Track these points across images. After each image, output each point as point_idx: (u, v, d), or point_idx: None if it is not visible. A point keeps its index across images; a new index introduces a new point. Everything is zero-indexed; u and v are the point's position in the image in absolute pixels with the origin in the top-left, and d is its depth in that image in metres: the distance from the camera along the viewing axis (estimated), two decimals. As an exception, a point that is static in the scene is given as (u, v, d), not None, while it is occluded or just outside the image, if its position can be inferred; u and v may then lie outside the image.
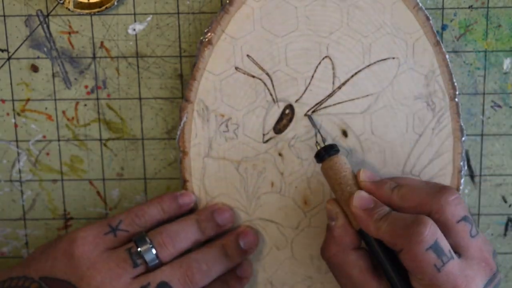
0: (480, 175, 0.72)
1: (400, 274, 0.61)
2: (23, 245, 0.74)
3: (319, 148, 0.66)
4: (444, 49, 0.67)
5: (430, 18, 0.66)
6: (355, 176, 0.64)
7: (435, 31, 0.67)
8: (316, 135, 0.69)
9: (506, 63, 0.69)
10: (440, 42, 0.67)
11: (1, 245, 0.74)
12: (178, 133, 0.69)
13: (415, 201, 0.62)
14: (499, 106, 0.70)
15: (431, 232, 0.59)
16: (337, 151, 0.65)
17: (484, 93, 0.70)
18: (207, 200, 0.71)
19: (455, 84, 0.68)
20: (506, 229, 0.73)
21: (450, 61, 0.69)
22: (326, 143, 0.67)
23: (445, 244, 0.59)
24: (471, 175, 0.72)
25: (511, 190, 0.72)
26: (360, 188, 0.64)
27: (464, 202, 0.63)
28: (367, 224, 0.62)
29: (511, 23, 0.68)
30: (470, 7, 0.68)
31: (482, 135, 0.71)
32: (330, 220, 0.64)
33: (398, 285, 0.61)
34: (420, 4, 0.66)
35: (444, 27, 0.68)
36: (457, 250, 0.61)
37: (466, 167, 0.71)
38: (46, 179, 0.73)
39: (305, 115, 0.69)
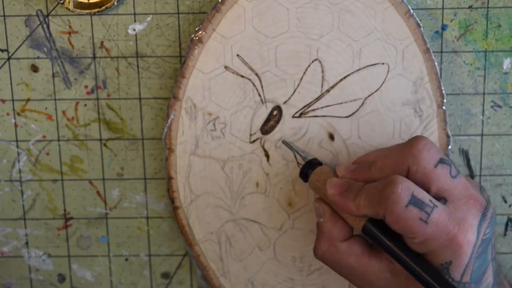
0: (480, 175, 0.72)
1: (416, 256, 0.59)
2: (23, 245, 0.75)
3: (300, 167, 0.66)
4: (433, 57, 0.67)
5: (421, 25, 0.66)
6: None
7: (425, 39, 0.67)
8: (295, 156, 0.68)
9: (506, 63, 0.69)
10: (430, 49, 0.67)
11: (1, 245, 0.75)
12: (165, 130, 0.69)
13: (392, 166, 0.61)
14: (499, 106, 0.70)
15: (404, 188, 0.58)
16: (319, 163, 0.65)
17: (484, 93, 0.70)
18: (191, 198, 0.71)
19: (443, 91, 0.68)
20: (506, 229, 0.73)
21: (450, 61, 0.69)
22: (306, 161, 0.66)
23: (424, 196, 0.58)
24: (471, 175, 0.72)
25: (511, 190, 0.72)
26: None
27: (436, 146, 0.61)
28: (346, 205, 0.61)
29: (511, 23, 0.68)
30: (470, 7, 0.68)
31: (482, 135, 0.71)
32: (318, 217, 0.63)
33: (415, 269, 0.59)
34: (412, 11, 0.66)
35: (444, 27, 0.68)
36: (442, 195, 0.60)
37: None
38: (46, 179, 0.73)
39: (282, 141, 0.69)
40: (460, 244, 0.58)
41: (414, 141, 0.61)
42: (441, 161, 0.60)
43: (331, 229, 0.62)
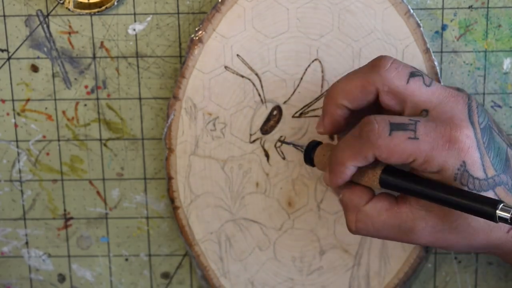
0: (480, 175, 0.72)
1: (437, 183, 0.58)
2: (23, 244, 0.75)
3: (302, 150, 0.66)
4: (433, 57, 0.67)
5: (421, 25, 0.66)
6: None
7: (425, 39, 0.67)
8: (296, 148, 0.69)
9: (506, 63, 0.69)
10: (430, 49, 0.67)
11: (1, 244, 0.75)
12: (165, 130, 0.69)
13: (355, 88, 0.60)
14: (499, 106, 0.70)
15: (379, 120, 0.58)
16: (318, 143, 0.65)
17: (484, 93, 0.70)
18: (191, 198, 0.71)
19: None
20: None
21: (450, 61, 0.69)
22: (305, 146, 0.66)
23: (401, 119, 0.58)
24: (471, 175, 0.72)
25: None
26: None
27: (402, 62, 0.60)
28: (338, 171, 0.60)
29: (511, 23, 0.68)
30: (470, 7, 0.68)
31: (482, 135, 0.71)
32: (338, 196, 0.63)
33: (441, 195, 0.57)
34: (411, 11, 0.66)
35: (444, 27, 0.68)
36: (422, 107, 0.59)
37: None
38: (46, 179, 0.73)
39: (278, 141, 0.69)
40: (459, 140, 0.57)
41: (379, 62, 0.60)
42: (411, 74, 0.60)
43: (351, 197, 0.62)
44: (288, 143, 0.69)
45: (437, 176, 0.58)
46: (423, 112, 0.59)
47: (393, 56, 0.62)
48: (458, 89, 0.62)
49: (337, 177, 0.61)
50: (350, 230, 0.63)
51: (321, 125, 0.64)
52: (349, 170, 0.60)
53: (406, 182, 0.59)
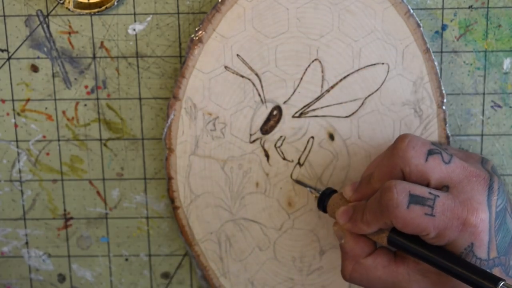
0: (480, 175, 0.72)
1: (440, 251, 0.59)
2: (23, 244, 0.75)
3: (316, 196, 0.67)
4: (433, 57, 0.67)
5: (421, 25, 0.66)
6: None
7: (425, 39, 0.67)
8: (311, 192, 0.69)
9: (506, 63, 0.69)
10: (430, 49, 0.67)
11: (1, 244, 0.75)
12: (165, 130, 0.69)
13: (386, 173, 0.61)
14: (499, 106, 0.70)
15: (399, 190, 0.58)
16: (333, 191, 0.66)
17: (484, 93, 0.70)
18: (191, 198, 0.71)
19: (443, 91, 0.68)
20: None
21: (450, 61, 0.69)
22: (320, 192, 0.67)
23: (422, 191, 0.58)
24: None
25: (511, 190, 0.72)
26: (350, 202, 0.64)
27: (420, 138, 0.61)
28: (358, 228, 0.61)
29: (511, 23, 0.68)
30: (470, 7, 0.68)
31: (482, 135, 0.71)
32: (340, 240, 0.64)
33: (445, 264, 0.58)
34: (412, 11, 0.66)
35: (444, 27, 0.68)
36: (443, 184, 0.59)
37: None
38: (46, 179, 0.73)
39: (295, 180, 0.69)
40: (473, 224, 0.58)
41: (397, 143, 0.61)
42: (429, 152, 0.60)
43: (353, 247, 0.62)
44: (304, 185, 0.69)
45: (439, 245, 0.59)
46: (444, 188, 0.59)
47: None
48: (483, 160, 0.62)
49: (355, 230, 0.62)
50: (343, 277, 0.64)
51: (349, 193, 0.65)
52: (371, 230, 0.61)
53: (414, 245, 0.59)
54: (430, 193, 0.58)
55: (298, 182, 0.70)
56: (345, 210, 0.63)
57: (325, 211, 0.66)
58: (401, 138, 0.61)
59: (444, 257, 0.58)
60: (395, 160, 0.60)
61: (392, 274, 0.61)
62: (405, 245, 0.60)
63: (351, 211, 0.62)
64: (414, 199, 0.58)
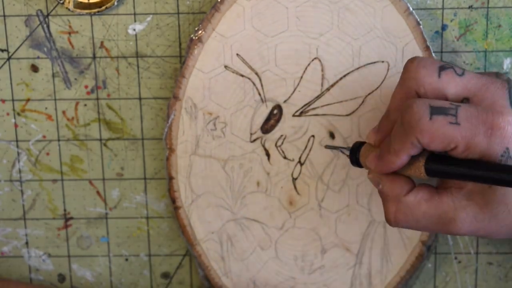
0: (480, 175, 0.72)
1: (483, 163, 0.56)
2: (23, 244, 0.74)
3: (348, 154, 0.65)
4: (433, 55, 0.67)
5: (421, 23, 0.66)
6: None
7: (425, 36, 0.67)
8: (343, 152, 0.69)
9: (506, 63, 0.69)
10: (430, 47, 0.67)
11: (1, 244, 0.74)
12: (166, 130, 0.69)
13: (401, 100, 0.60)
14: (499, 106, 0.70)
15: (419, 105, 0.57)
16: (361, 143, 0.64)
17: (483, 93, 0.70)
18: (192, 198, 0.71)
19: None
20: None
21: (450, 61, 0.69)
22: (349, 149, 0.66)
23: (442, 102, 0.57)
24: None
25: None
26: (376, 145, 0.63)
27: (429, 58, 0.60)
28: (390, 161, 0.59)
29: (511, 23, 0.68)
30: (470, 7, 0.68)
31: (481, 134, 0.71)
32: (377, 186, 0.62)
33: (490, 174, 0.56)
34: (411, 9, 0.66)
35: (444, 27, 0.68)
36: (462, 96, 0.58)
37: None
38: (46, 179, 0.73)
39: (325, 146, 0.69)
40: (502, 127, 0.56)
41: (407, 66, 0.60)
42: (441, 68, 0.59)
43: (392, 187, 0.60)
44: (334, 148, 0.69)
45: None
46: (464, 100, 0.58)
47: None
48: (497, 74, 0.61)
49: (387, 166, 0.60)
50: (388, 221, 0.62)
51: (373, 137, 0.63)
52: (401, 160, 0.59)
53: (452, 166, 0.57)
54: (451, 103, 0.57)
55: (328, 147, 0.69)
56: (374, 154, 0.61)
57: (359, 165, 0.64)
58: (410, 60, 0.60)
59: (485, 167, 0.56)
60: (408, 83, 0.59)
61: (437, 206, 0.59)
62: (443, 168, 0.57)
63: (378, 152, 0.61)
64: (436, 110, 0.56)
